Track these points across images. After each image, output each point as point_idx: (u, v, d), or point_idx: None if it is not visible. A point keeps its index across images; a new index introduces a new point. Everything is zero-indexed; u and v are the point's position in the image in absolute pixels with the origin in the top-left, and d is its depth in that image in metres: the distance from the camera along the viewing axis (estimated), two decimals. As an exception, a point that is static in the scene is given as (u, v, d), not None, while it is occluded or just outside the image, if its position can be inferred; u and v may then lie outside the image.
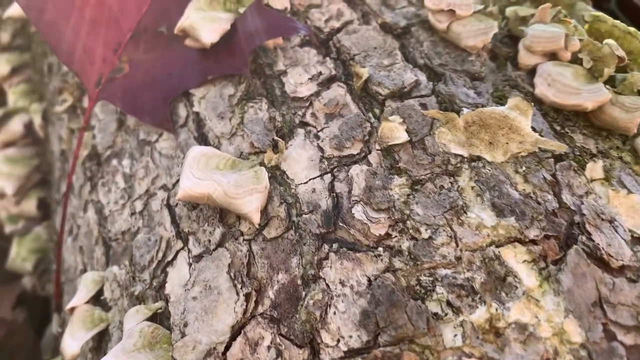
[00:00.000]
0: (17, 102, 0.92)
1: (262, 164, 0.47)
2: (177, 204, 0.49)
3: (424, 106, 0.46)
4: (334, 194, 0.43)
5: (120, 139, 0.58)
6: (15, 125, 0.87)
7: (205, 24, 0.52)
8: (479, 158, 0.42)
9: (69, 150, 0.68)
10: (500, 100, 0.47)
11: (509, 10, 0.57)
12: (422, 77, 0.49)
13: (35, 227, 0.82)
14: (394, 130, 0.44)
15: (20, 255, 0.78)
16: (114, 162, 0.57)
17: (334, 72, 0.51)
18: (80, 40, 0.59)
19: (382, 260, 0.39)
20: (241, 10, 0.54)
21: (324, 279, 0.39)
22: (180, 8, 0.56)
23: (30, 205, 0.82)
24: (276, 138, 0.47)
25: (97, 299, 0.51)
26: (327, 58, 0.52)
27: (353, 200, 0.42)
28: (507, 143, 0.43)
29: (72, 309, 0.51)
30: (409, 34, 0.54)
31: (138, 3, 0.59)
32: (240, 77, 0.53)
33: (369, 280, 0.38)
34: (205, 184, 0.44)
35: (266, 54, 0.53)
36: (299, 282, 0.40)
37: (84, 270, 0.57)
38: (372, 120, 0.47)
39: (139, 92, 0.56)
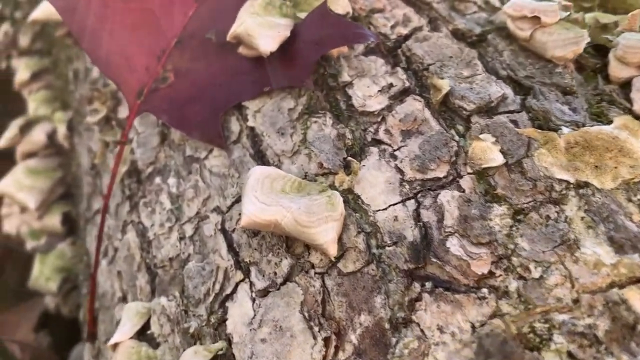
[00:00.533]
0: (37, 110, 0.87)
1: (332, 186, 0.42)
2: (234, 229, 0.44)
3: (514, 123, 0.41)
4: (421, 224, 0.38)
5: (164, 154, 0.54)
6: (38, 135, 0.82)
7: (262, 30, 0.47)
8: (587, 184, 0.37)
9: (101, 165, 0.63)
10: (599, 117, 0.42)
11: (588, 17, 0.52)
12: (508, 90, 0.44)
13: (59, 243, 0.77)
14: (487, 151, 0.39)
15: (44, 274, 0.73)
16: (158, 179, 0.52)
17: (407, 84, 0.46)
18: (119, 46, 0.54)
19: (487, 303, 0.34)
20: (300, 15, 0.49)
21: (418, 324, 0.34)
22: (230, 12, 0.51)
23: (53, 220, 0.77)
24: (348, 158, 0.43)
25: (141, 333, 0.47)
26: (397, 68, 0.47)
27: (446, 232, 0.37)
28: (615, 167, 0.38)
29: (115, 345, 0.46)
30: (485, 42, 0.49)
31: (183, 7, 0.55)
32: (300, 89, 0.48)
33: (473, 327, 0.33)
34: (272, 210, 0.39)
35: (329, 64, 0.48)
36: (387, 325, 0.35)
37: (123, 298, 0.52)
38: (457, 138, 0.42)
39: (186, 104, 0.51)
